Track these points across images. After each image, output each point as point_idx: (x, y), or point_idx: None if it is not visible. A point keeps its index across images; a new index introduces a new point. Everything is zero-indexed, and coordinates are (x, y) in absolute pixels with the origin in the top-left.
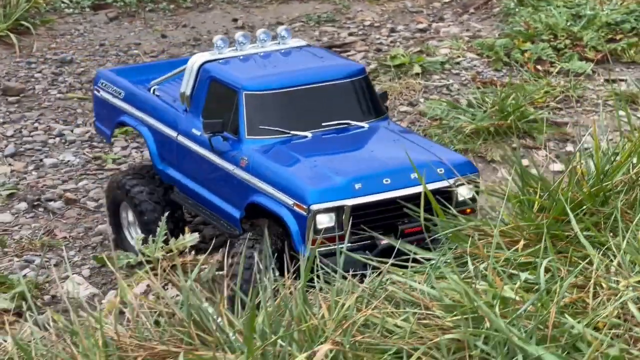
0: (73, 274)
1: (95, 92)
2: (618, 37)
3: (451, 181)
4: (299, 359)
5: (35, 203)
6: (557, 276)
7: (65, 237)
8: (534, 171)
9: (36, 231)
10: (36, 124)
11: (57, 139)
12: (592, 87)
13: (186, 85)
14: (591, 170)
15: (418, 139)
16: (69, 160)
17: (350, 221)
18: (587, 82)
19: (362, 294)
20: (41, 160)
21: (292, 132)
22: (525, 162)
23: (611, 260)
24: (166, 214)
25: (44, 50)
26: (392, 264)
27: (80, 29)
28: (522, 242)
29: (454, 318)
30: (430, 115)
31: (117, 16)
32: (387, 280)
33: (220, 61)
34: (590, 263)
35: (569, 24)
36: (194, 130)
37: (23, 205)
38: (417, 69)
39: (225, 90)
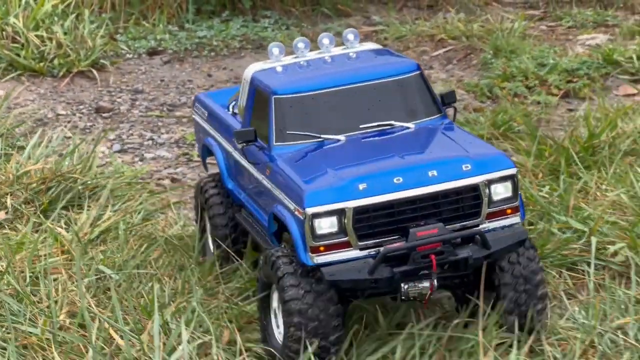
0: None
1: (194, 115)
2: (575, 80)
3: (479, 178)
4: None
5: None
6: None
7: (178, 202)
8: None
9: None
10: (130, 132)
11: (150, 141)
12: (558, 113)
13: (241, 97)
14: None
15: (461, 135)
16: (164, 155)
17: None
18: (554, 110)
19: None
20: (142, 155)
21: (324, 136)
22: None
23: None
24: None
25: (117, 83)
26: None
27: (142, 69)
28: None
29: None
30: None
31: (170, 60)
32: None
33: (267, 69)
34: None
35: (536, 69)
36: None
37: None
38: None
39: (263, 97)
